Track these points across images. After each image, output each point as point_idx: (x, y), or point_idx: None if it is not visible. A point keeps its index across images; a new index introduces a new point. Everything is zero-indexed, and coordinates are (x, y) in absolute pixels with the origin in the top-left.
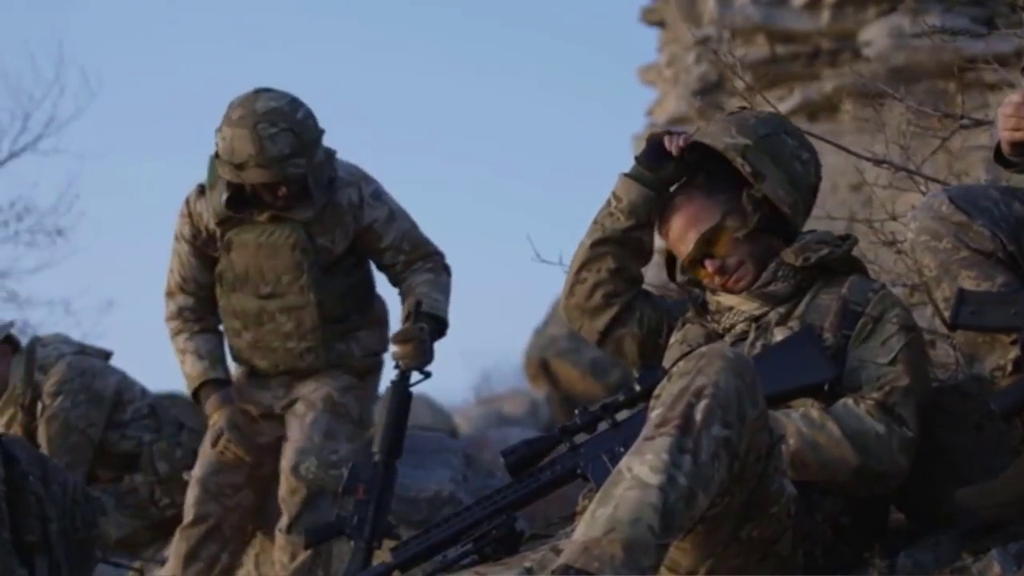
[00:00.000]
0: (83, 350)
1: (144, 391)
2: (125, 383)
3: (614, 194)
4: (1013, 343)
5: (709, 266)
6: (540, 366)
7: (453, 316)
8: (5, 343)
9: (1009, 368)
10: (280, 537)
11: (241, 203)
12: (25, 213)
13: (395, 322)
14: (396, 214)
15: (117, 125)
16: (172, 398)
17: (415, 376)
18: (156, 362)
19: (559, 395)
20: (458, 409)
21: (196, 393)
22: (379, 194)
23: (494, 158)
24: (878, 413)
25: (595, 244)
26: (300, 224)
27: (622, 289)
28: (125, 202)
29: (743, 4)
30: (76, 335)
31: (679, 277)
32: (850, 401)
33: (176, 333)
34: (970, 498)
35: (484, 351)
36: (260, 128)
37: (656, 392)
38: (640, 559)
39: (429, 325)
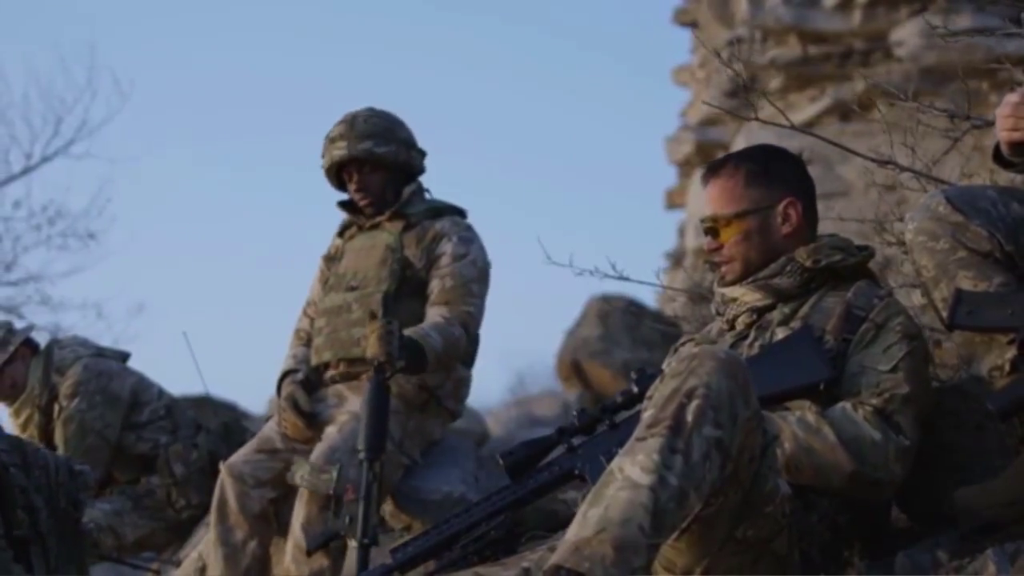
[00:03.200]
0: (100, 352)
1: (161, 392)
2: (142, 385)
3: None
4: (1010, 343)
5: (709, 244)
6: (572, 367)
7: (490, 317)
8: (24, 346)
9: (1007, 368)
10: (302, 538)
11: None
12: (57, 217)
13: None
14: (470, 259)
15: (149, 129)
16: (197, 400)
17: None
18: (185, 365)
19: (591, 396)
20: (491, 411)
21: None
22: (468, 240)
23: (534, 161)
24: (875, 420)
25: None
26: (396, 233)
27: None
28: (156, 206)
29: (775, 5)
30: (107, 338)
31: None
32: (848, 406)
33: (290, 346)
34: (970, 498)
35: (520, 352)
36: (357, 114)
37: (649, 393)
38: (631, 559)
39: (407, 351)
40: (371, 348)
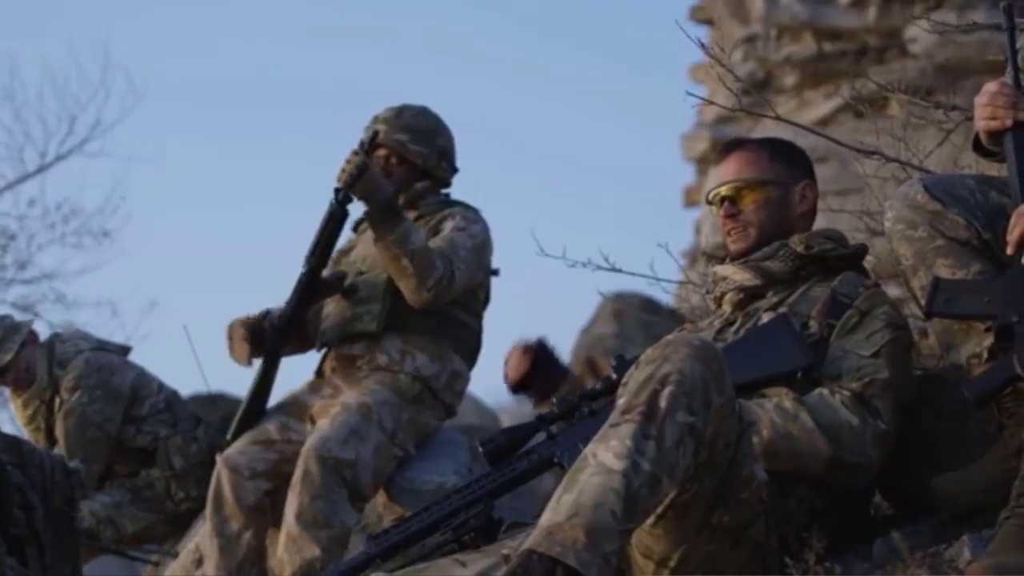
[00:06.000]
0: (101, 346)
1: (162, 386)
2: (142, 379)
3: None
4: (988, 331)
5: (726, 209)
6: (587, 365)
7: (505, 316)
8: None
9: (985, 355)
10: (294, 528)
11: None
12: (72, 215)
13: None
14: (467, 233)
15: (163, 127)
16: (208, 399)
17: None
18: (197, 363)
19: None
20: (506, 408)
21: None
22: (472, 220)
23: (541, 159)
24: (853, 405)
25: None
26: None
27: None
28: (170, 204)
29: (790, 2)
30: (120, 336)
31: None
32: (826, 391)
33: None
34: (948, 485)
35: None
36: (410, 107)
37: (624, 380)
38: (602, 543)
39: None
40: (338, 174)
